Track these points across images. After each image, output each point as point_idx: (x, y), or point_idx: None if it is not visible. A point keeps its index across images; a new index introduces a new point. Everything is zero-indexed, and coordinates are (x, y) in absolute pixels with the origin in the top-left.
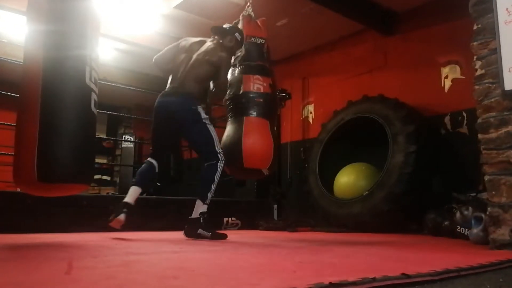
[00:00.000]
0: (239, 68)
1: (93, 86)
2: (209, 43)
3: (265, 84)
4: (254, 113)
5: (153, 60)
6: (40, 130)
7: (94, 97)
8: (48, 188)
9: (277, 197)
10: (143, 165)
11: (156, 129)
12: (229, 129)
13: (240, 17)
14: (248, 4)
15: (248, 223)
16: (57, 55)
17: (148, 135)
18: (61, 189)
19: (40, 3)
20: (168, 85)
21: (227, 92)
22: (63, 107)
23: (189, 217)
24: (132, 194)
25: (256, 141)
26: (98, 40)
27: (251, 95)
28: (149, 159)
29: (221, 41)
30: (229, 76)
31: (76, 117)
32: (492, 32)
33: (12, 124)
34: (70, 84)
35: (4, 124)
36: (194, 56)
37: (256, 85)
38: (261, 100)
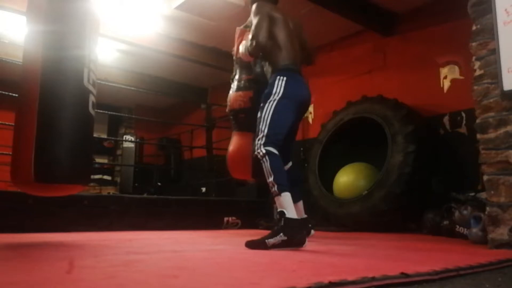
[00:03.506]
0: (232, 86)
1: (91, 87)
2: None
3: (245, 99)
4: (237, 129)
5: None
6: (37, 130)
7: (92, 98)
8: (45, 188)
9: None
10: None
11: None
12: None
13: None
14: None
15: (248, 223)
16: (56, 55)
17: (148, 135)
18: (58, 189)
19: (39, 4)
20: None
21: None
22: (61, 108)
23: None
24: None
25: (232, 155)
26: (97, 41)
27: (235, 112)
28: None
29: None
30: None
31: (74, 118)
32: (491, 32)
33: (12, 124)
34: (69, 85)
35: (4, 124)
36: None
37: (239, 102)
38: (243, 115)
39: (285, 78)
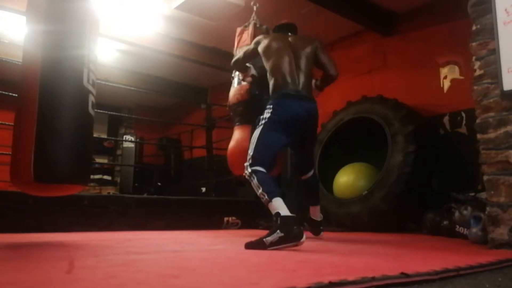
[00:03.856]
0: (232, 83)
1: (90, 88)
2: None
3: (242, 92)
4: (237, 123)
5: None
6: (37, 130)
7: (91, 98)
8: (45, 188)
9: None
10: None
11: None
12: None
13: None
14: (253, 14)
15: (248, 223)
16: (55, 55)
17: (148, 135)
18: (58, 189)
19: (39, 4)
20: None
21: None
22: (60, 108)
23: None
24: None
25: (231, 151)
26: (96, 41)
27: (234, 107)
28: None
29: None
30: None
31: (73, 118)
32: (491, 32)
33: (12, 124)
34: (68, 85)
35: (4, 124)
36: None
37: (236, 96)
38: (241, 108)
39: (271, 106)
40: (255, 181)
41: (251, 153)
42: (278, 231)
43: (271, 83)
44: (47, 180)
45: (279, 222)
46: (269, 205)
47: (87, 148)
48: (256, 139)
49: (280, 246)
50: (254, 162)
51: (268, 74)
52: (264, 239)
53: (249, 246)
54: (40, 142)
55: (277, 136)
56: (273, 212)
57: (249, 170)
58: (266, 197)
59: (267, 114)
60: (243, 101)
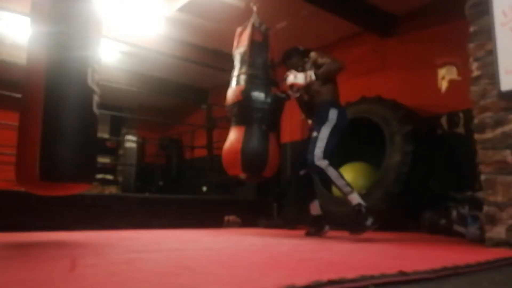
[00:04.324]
0: (231, 84)
1: (95, 87)
2: None
3: (237, 93)
4: (233, 123)
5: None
6: (42, 130)
7: (95, 98)
8: (50, 187)
9: (277, 196)
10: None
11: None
12: None
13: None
14: (253, 14)
15: (249, 222)
16: (59, 56)
17: (150, 135)
18: (63, 188)
19: (43, 5)
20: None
21: None
22: (65, 108)
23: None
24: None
25: (224, 152)
26: (100, 42)
27: (230, 108)
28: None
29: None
30: None
31: (78, 118)
32: (488, 34)
33: (15, 124)
34: (72, 86)
35: (8, 124)
36: None
37: (232, 97)
38: (236, 109)
39: (336, 111)
40: (334, 173)
41: (323, 147)
42: (370, 218)
43: (334, 93)
44: (52, 179)
45: (365, 211)
46: (350, 194)
47: (92, 147)
48: (327, 136)
49: (372, 228)
50: (325, 155)
51: (330, 84)
52: (364, 224)
53: (355, 231)
54: (45, 142)
55: (337, 137)
56: (355, 202)
57: (325, 162)
58: (349, 188)
59: (333, 116)
60: (239, 102)
